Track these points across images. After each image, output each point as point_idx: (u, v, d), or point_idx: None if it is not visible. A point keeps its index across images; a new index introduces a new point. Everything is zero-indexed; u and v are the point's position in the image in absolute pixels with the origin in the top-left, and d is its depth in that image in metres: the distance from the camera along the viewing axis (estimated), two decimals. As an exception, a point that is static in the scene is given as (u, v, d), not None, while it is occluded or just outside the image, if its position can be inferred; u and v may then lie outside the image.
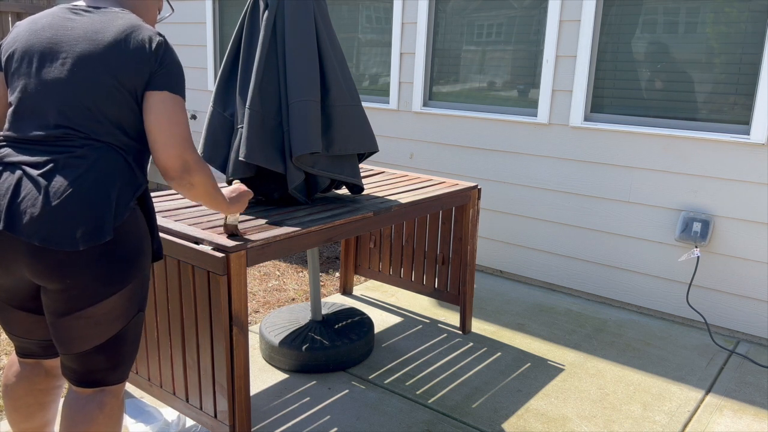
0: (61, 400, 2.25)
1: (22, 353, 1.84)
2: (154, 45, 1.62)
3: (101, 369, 1.68)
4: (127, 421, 2.44)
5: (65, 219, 1.51)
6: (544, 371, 2.99)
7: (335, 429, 2.49)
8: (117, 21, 1.64)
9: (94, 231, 1.53)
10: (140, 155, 1.68)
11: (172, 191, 2.75)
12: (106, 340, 1.64)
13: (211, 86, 5.70)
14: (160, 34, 1.66)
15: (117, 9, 1.69)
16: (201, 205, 2.55)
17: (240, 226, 2.26)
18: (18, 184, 1.54)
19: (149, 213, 1.73)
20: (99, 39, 1.60)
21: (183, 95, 1.67)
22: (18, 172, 1.55)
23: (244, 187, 2.03)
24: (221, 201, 1.84)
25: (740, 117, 3.29)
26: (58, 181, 1.53)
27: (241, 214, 2.44)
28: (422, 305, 3.72)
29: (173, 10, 2.02)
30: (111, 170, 1.58)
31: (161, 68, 1.62)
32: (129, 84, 1.60)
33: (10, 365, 1.87)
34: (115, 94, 1.59)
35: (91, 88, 1.58)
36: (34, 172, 1.54)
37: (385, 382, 2.84)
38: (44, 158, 1.56)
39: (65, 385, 1.91)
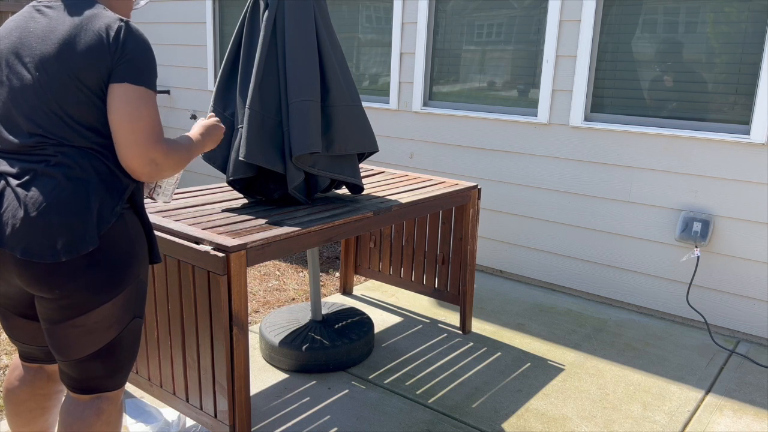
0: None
1: (25, 358, 1.83)
2: (112, 33, 1.49)
3: (98, 376, 1.65)
4: (127, 421, 2.44)
5: (44, 230, 1.47)
6: (544, 371, 2.99)
7: (335, 429, 2.49)
8: (73, 13, 1.52)
9: (75, 241, 1.49)
10: None
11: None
12: (100, 347, 1.61)
13: (211, 86, 5.70)
14: (121, 20, 1.53)
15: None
16: (201, 205, 2.55)
17: (240, 226, 2.26)
18: (1, 195, 1.51)
19: (142, 216, 1.66)
20: (54, 37, 1.50)
21: (149, 85, 1.52)
22: (2, 183, 1.52)
23: (211, 122, 1.87)
24: (197, 153, 1.71)
25: (740, 117, 3.29)
26: (36, 192, 1.48)
27: (241, 214, 2.44)
28: (422, 305, 3.72)
29: None
30: (89, 176, 1.52)
31: (122, 57, 1.49)
32: (90, 82, 1.49)
33: (12, 369, 1.86)
34: (78, 95, 1.50)
35: (54, 91, 1.49)
36: (15, 183, 1.51)
37: (385, 382, 2.84)
38: (23, 168, 1.51)
39: (64, 390, 1.91)
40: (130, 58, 1.50)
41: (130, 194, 1.62)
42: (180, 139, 1.67)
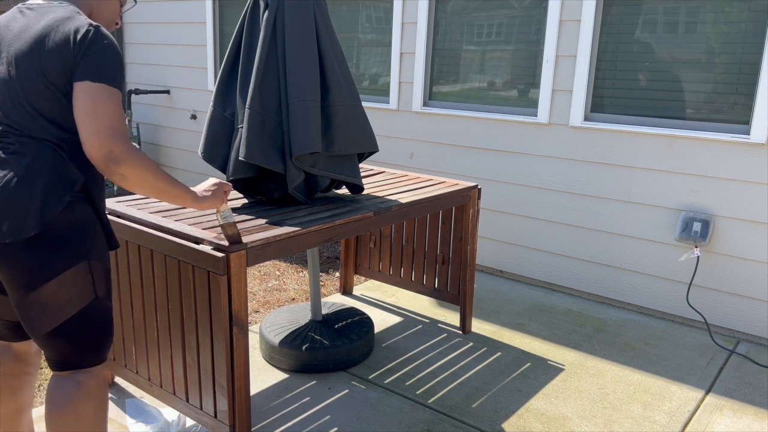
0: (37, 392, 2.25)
1: None
2: (79, 36, 1.61)
3: (67, 353, 1.74)
4: (127, 421, 2.44)
5: None
6: (544, 371, 2.99)
7: (335, 429, 2.49)
8: (49, 15, 1.66)
9: (18, 225, 1.59)
10: (79, 150, 1.70)
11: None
12: (59, 324, 1.70)
13: (211, 86, 5.70)
14: (92, 24, 1.64)
15: (57, 2, 1.71)
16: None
17: (240, 226, 2.26)
18: None
19: (96, 206, 1.76)
20: (27, 36, 1.64)
21: (111, 83, 1.62)
22: None
23: (216, 180, 1.97)
24: (177, 194, 1.78)
25: (740, 117, 3.29)
26: None
27: (241, 214, 2.44)
28: (422, 305, 3.72)
29: (135, 2, 1.95)
30: (40, 166, 1.62)
31: (84, 58, 1.60)
32: (55, 78, 1.61)
33: None
34: (44, 90, 1.62)
35: (23, 85, 1.62)
36: None
37: (385, 382, 2.84)
38: None
39: (35, 372, 2.04)
40: (93, 59, 1.61)
41: (85, 185, 1.72)
42: (171, 177, 1.76)
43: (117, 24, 1.92)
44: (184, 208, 2.48)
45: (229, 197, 2.73)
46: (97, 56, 1.61)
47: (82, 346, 1.74)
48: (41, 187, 1.61)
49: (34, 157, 1.62)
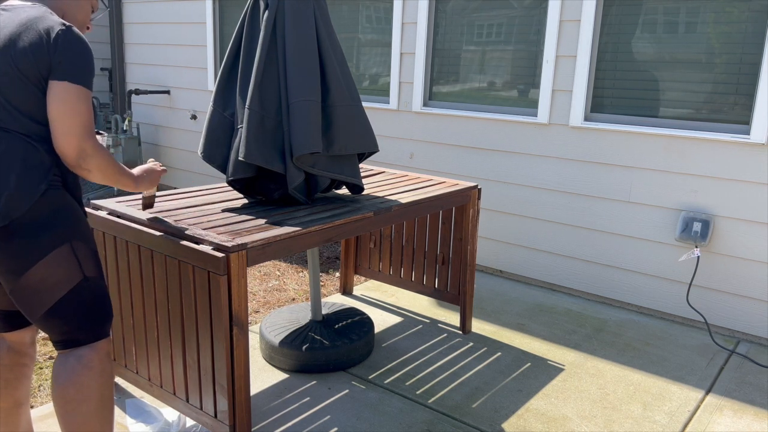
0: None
1: None
2: (53, 34, 1.68)
3: (65, 331, 1.79)
4: (127, 421, 2.44)
5: None
6: (544, 371, 2.99)
7: (335, 429, 2.49)
8: (23, 15, 1.73)
9: None
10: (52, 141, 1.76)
11: (174, 192, 2.75)
12: (52, 305, 1.75)
13: (211, 86, 5.70)
14: (64, 24, 1.71)
15: (30, 4, 1.78)
16: (201, 205, 2.55)
17: (240, 226, 2.26)
18: None
19: (72, 192, 1.82)
20: (1, 35, 1.71)
21: (85, 84, 1.70)
22: None
23: (152, 166, 2.09)
24: (126, 182, 1.90)
25: (740, 117, 3.29)
26: None
27: (241, 214, 2.44)
28: (422, 305, 3.72)
29: (106, 6, 2.06)
30: (13, 158, 1.68)
31: (61, 58, 1.67)
32: (29, 73, 1.67)
33: None
34: (18, 84, 1.68)
35: None
36: None
37: (385, 382, 2.84)
38: None
39: (30, 365, 2.07)
40: (69, 60, 1.68)
41: (62, 175, 1.78)
42: (123, 166, 1.87)
43: (88, 28, 2.00)
44: (191, 207, 2.48)
45: (229, 197, 2.73)
46: (74, 58, 1.68)
47: (78, 324, 1.80)
48: (14, 178, 1.67)
49: (6, 149, 1.68)
